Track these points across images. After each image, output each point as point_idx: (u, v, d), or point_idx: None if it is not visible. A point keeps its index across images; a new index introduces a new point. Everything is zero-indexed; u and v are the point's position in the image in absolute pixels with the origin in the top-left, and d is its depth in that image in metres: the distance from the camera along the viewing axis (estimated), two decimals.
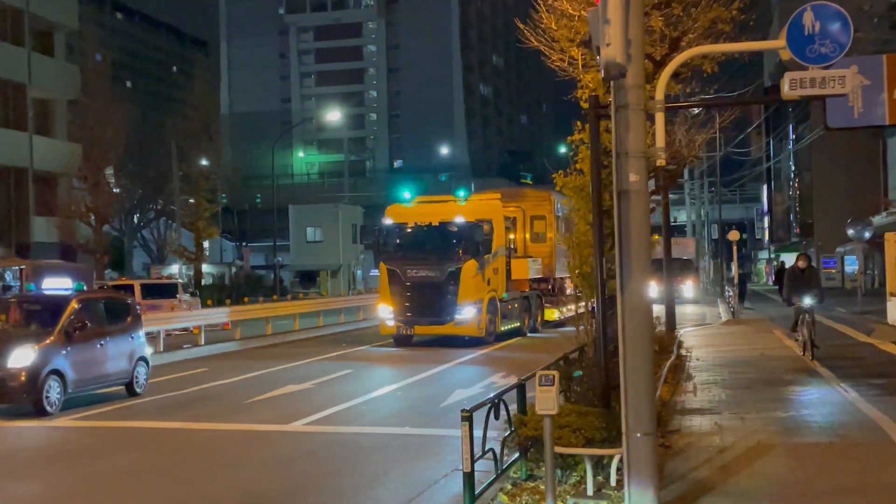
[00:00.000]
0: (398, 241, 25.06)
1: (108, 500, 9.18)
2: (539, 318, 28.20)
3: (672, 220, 25.73)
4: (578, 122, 11.86)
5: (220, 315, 28.07)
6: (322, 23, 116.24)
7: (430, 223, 24.60)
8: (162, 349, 23.38)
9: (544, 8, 14.35)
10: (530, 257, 28.15)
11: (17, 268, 28.46)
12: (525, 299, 27.08)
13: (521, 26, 15.07)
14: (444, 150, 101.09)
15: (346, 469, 10.00)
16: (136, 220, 70.54)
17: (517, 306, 26.39)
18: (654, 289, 7.82)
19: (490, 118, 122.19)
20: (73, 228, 42.15)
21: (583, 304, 12.34)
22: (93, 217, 42.17)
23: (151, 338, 25.97)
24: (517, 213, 28.65)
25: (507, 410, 8.51)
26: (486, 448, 8.01)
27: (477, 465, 7.39)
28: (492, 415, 8.08)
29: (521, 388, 8.88)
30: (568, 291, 30.08)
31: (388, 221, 25.22)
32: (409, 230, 24.97)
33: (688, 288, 46.86)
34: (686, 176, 58.94)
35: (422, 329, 24.22)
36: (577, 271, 12.00)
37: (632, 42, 6.64)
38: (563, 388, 9.50)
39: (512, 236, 27.89)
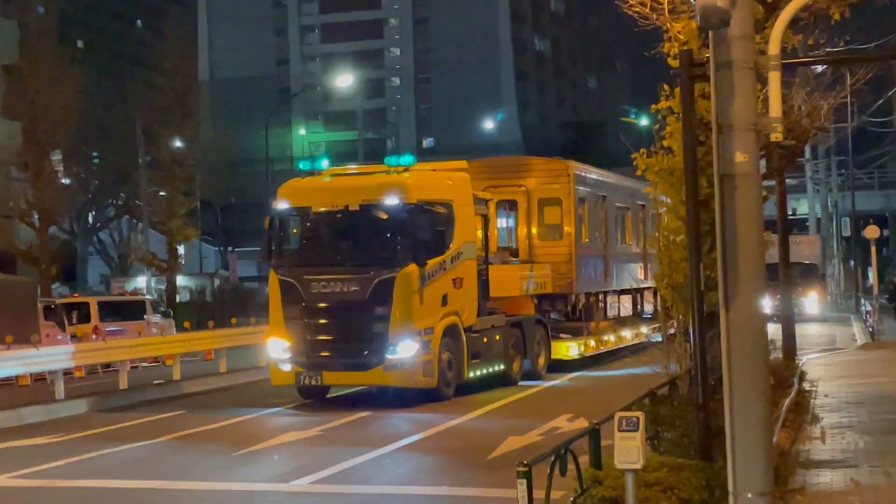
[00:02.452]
0: (298, 236, 21.87)
1: None
2: (542, 357, 24.34)
3: (790, 212, 25.60)
4: (666, 86, 11.81)
5: (199, 341, 28.28)
6: None
7: (347, 207, 20.36)
8: (126, 386, 23.60)
9: None
10: (531, 262, 25.11)
11: None
12: (515, 328, 23.28)
13: None
14: (489, 125, 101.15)
15: None
16: (91, 219, 71.33)
17: (500, 339, 22.45)
18: (767, 303, 7.77)
19: (548, 82, 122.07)
20: (10, 230, 42.70)
21: (671, 323, 12.28)
22: (36, 216, 42.67)
23: (113, 371, 26.37)
24: (516, 194, 25.52)
25: (577, 463, 8.48)
26: None
27: None
28: (556, 469, 8.05)
29: (594, 434, 8.84)
30: (605, 313, 28.47)
31: (282, 206, 21.15)
32: (315, 219, 21.33)
33: (811, 301, 46.45)
34: (808, 155, 58.41)
35: (333, 377, 20.31)
36: (664, 281, 11.97)
37: None
38: (651, 435, 9.46)
39: (504, 226, 25.60)
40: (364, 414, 19.17)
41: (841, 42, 17.57)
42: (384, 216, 20.12)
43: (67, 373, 23.96)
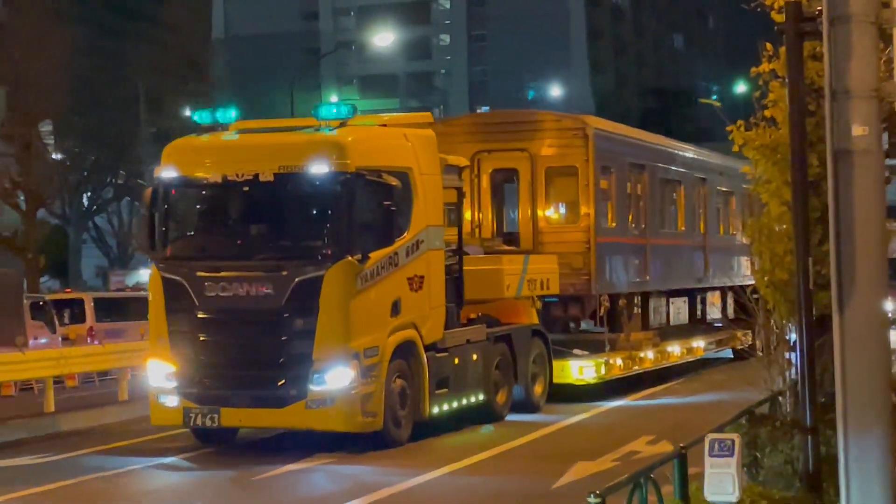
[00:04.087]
0: (189, 218, 18.40)
1: None
2: (540, 382, 20.99)
3: None
4: (769, 45, 11.74)
5: None
6: None
7: (257, 177, 16.62)
8: (127, 397, 23.76)
9: None
10: (527, 251, 21.83)
11: None
12: (501, 343, 19.83)
13: None
14: (556, 91, 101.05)
15: None
16: (86, 201, 71.97)
17: (478, 359, 18.99)
18: (889, 305, 7.72)
19: (626, 41, 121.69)
20: None
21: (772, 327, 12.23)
22: (22, 197, 43.02)
23: (111, 380, 26.57)
24: (518, 160, 22.62)
25: (659, 494, 8.49)
26: None
27: None
28: (635, 500, 8.06)
29: (680, 460, 8.84)
30: (645, 320, 25.07)
31: (167, 174, 17.43)
32: (212, 194, 17.75)
33: None
34: None
35: (236, 416, 16.54)
36: (765, 278, 11.90)
37: None
38: (748, 461, 9.44)
39: (499, 205, 23.20)
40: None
41: None
42: (308, 189, 16.84)
43: (59, 381, 24.02)
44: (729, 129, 12.47)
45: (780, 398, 11.05)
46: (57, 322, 30.63)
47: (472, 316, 20.07)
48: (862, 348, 6.92)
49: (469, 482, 14.96)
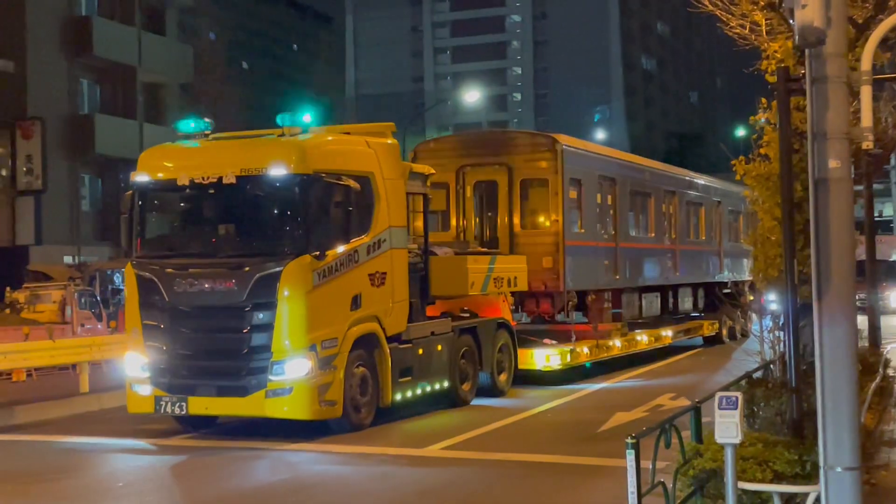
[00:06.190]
0: (161, 219, 15.88)
1: None
2: (506, 371, 18.27)
3: (877, 214, 24.72)
4: (763, 99, 11.64)
5: None
6: None
7: (221, 179, 14.04)
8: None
9: None
10: (495, 252, 19.03)
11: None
12: (467, 334, 17.23)
13: None
14: (600, 135, 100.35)
15: (491, 501, 10.06)
16: None
17: (442, 350, 16.46)
18: (856, 296, 7.59)
19: (653, 96, 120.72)
20: None
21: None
22: None
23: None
24: (497, 174, 20.02)
25: (680, 438, 8.40)
26: (656, 482, 7.91)
27: (644, 502, 7.31)
28: (661, 443, 7.98)
29: (696, 411, 8.76)
30: (615, 314, 22.17)
31: (141, 178, 14.83)
32: (180, 196, 15.06)
33: (895, 296, 45.33)
34: (893, 162, 56.69)
35: (202, 404, 14.01)
36: (761, 275, 11.75)
37: (832, 2, 6.52)
38: (747, 413, 9.34)
39: (481, 212, 20.45)
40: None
41: None
42: (269, 190, 14.16)
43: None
44: (733, 162, 12.31)
45: (772, 366, 10.91)
46: None
47: (451, 311, 17.65)
48: (835, 328, 6.83)
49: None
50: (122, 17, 42.95)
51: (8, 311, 27.63)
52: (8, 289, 29.29)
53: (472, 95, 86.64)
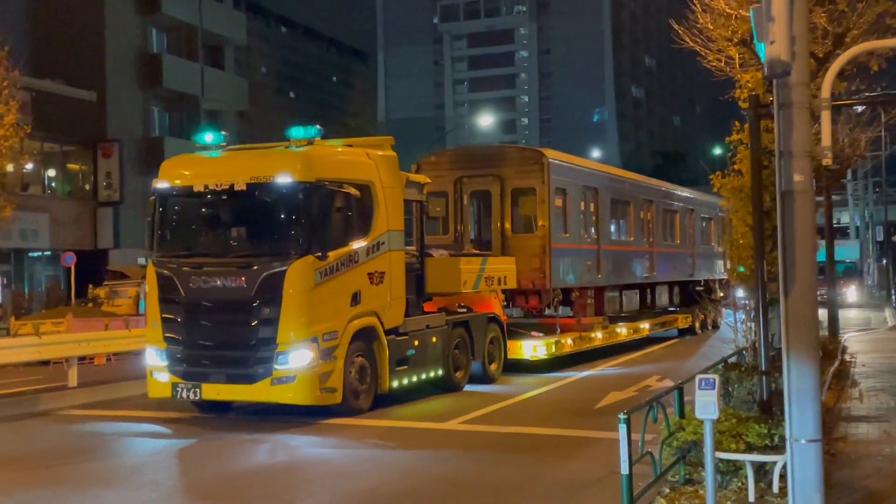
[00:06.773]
0: (179, 222, 14.72)
1: None
2: (496, 360, 17.44)
3: (835, 221, 24.54)
4: (737, 123, 11.57)
5: None
6: (475, 30, 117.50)
7: (233, 186, 13.51)
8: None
9: (700, 8, 14.09)
10: (485, 254, 18.31)
11: None
12: (460, 327, 16.44)
13: (676, 27, 14.80)
14: (596, 153, 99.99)
15: (497, 469, 10.05)
16: None
17: (437, 341, 15.69)
18: (817, 292, 7.55)
19: (642, 120, 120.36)
20: None
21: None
22: None
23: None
24: (490, 184, 19.38)
25: (665, 414, 8.38)
26: (645, 451, 7.92)
27: (634, 469, 7.30)
28: (649, 418, 7.98)
29: (679, 391, 8.74)
30: (597, 309, 21.20)
31: (162, 185, 14.27)
32: (196, 202, 14.26)
33: (851, 292, 45.16)
34: (849, 176, 56.38)
35: (214, 390, 13.38)
36: (734, 274, 11.70)
37: (796, 39, 6.48)
38: (723, 393, 9.28)
39: (477, 219, 19.89)
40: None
41: (878, 87, 16.96)
42: (275, 197, 13.46)
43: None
44: (710, 177, 12.26)
45: (744, 352, 10.85)
46: None
47: (448, 307, 16.83)
48: (799, 320, 6.79)
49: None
50: (187, 54, 43.21)
51: (91, 305, 28.00)
52: (91, 286, 29.65)
53: (486, 120, 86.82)
